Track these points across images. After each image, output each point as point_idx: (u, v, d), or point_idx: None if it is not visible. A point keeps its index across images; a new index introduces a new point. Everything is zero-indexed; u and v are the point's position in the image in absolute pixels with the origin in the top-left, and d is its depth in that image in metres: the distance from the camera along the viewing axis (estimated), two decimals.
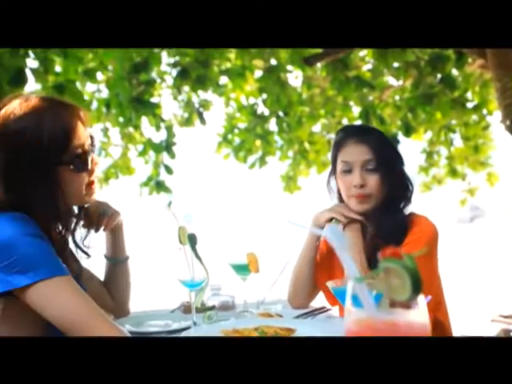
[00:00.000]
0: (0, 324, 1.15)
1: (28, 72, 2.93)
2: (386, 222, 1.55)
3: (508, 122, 3.51)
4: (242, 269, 1.65)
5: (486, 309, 6.00)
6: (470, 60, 4.96)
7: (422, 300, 0.62)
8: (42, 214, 1.19)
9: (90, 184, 1.29)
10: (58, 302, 1.09)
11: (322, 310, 1.68)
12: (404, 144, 5.60)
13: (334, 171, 1.65)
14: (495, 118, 6.02)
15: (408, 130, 5.65)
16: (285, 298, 1.79)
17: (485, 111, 6.01)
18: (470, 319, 5.89)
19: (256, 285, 1.73)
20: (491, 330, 4.45)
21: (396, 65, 5.05)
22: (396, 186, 1.59)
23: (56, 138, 1.19)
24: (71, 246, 1.36)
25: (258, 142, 5.50)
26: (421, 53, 4.88)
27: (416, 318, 0.61)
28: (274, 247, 1.78)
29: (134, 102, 3.79)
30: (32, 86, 3.25)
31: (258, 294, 1.76)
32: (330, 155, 1.68)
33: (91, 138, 1.29)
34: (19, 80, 2.76)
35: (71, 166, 1.22)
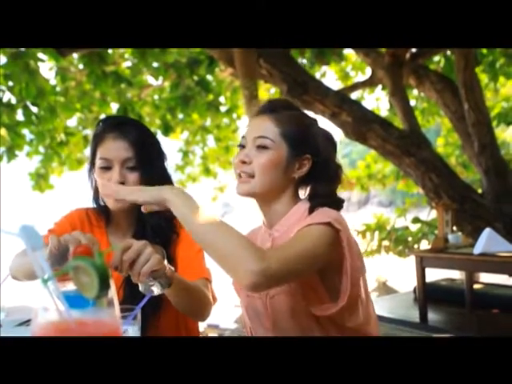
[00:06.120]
0: None
1: None
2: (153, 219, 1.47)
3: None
4: None
5: None
6: (222, 67, 5.32)
7: (114, 297, 0.63)
8: None
9: None
10: None
11: None
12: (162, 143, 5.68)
13: (92, 166, 1.48)
14: (243, 122, 6.61)
15: (167, 129, 5.78)
16: None
17: (235, 115, 6.55)
18: None
19: None
20: None
21: (156, 65, 5.11)
22: (157, 183, 1.43)
23: None
24: None
25: (4, 132, 4.88)
26: (179, 55, 5.03)
27: (106, 316, 0.61)
28: None
29: None
30: None
31: None
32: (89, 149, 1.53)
33: None
34: None
35: None
